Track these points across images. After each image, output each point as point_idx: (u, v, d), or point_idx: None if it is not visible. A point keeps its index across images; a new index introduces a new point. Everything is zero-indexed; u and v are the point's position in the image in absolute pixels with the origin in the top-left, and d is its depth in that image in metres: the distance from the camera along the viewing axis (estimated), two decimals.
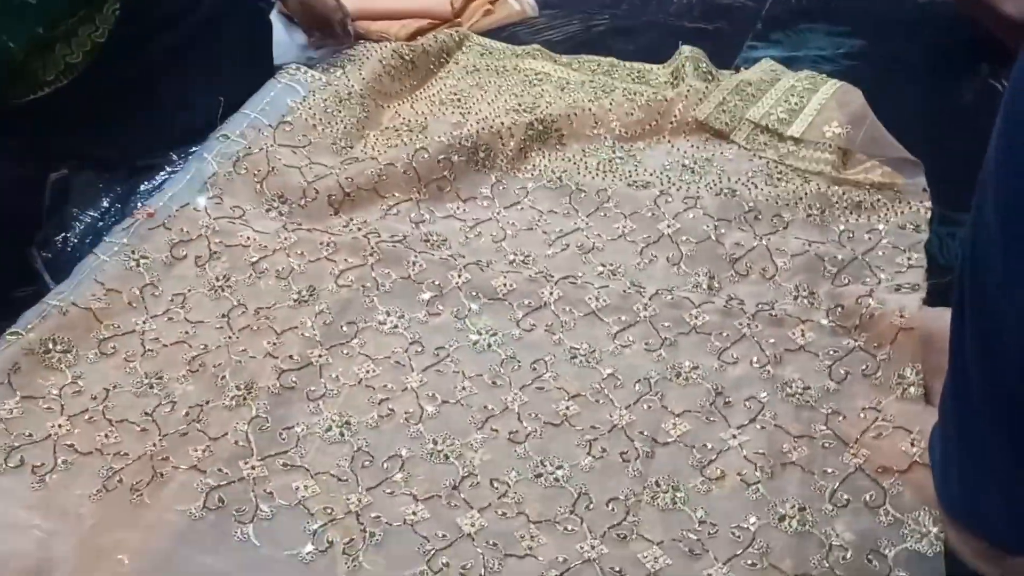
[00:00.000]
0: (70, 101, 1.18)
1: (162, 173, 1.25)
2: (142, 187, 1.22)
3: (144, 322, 1.06)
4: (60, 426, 0.95)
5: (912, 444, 0.90)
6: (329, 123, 1.32)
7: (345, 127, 1.33)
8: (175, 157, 1.27)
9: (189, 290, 1.10)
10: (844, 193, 1.19)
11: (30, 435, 0.94)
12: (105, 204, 1.20)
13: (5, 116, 1.14)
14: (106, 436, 0.94)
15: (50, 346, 1.01)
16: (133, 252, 1.13)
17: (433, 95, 1.43)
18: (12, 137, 1.12)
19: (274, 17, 1.57)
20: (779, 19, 1.62)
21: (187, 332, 1.05)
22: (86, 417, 0.96)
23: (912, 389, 0.94)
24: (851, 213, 1.17)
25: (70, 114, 1.20)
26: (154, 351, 1.03)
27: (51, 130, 1.18)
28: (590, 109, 1.34)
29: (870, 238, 1.13)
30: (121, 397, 0.98)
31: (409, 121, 1.37)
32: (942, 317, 0.83)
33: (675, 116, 1.34)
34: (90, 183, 1.21)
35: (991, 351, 0.67)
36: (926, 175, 1.20)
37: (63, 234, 1.16)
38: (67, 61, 1.17)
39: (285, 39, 1.56)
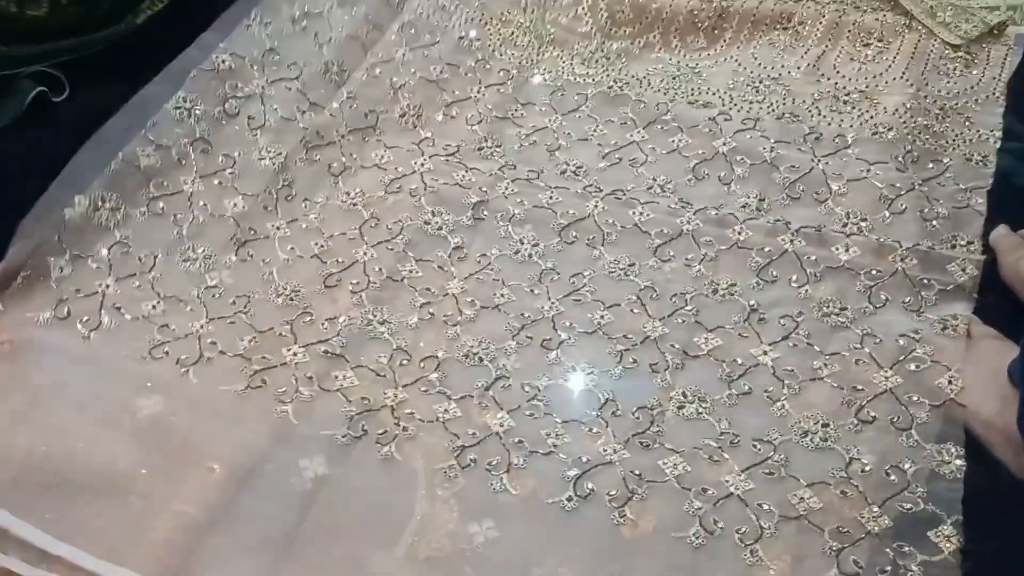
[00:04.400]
0: None
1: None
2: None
3: (193, 181, 1.09)
4: (108, 286, 1.00)
5: (949, 382, 0.88)
6: None
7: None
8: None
9: (239, 154, 1.13)
10: (912, 116, 1.15)
11: (77, 291, 0.99)
12: None
13: None
14: (153, 307, 0.99)
15: (99, 203, 1.05)
16: (184, 100, 1.14)
17: None
18: None
19: None
20: None
21: (235, 205, 1.08)
22: (134, 284, 1.01)
23: (958, 328, 0.92)
24: (919, 136, 1.13)
25: None
26: (202, 219, 1.07)
27: None
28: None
29: (933, 166, 1.09)
30: (169, 269, 1.02)
31: None
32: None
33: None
34: None
35: None
36: None
37: None
38: None
39: None
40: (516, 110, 1.23)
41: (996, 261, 0.97)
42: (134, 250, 1.04)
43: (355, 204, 1.11)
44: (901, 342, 0.92)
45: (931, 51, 1.25)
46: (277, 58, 1.23)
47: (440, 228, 1.09)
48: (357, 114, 1.21)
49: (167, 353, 0.95)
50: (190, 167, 1.11)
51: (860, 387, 0.89)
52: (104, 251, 1.03)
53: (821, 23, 1.30)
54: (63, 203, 1.02)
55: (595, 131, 1.19)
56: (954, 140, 1.12)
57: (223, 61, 1.19)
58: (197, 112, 1.14)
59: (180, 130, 1.12)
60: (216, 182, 1.10)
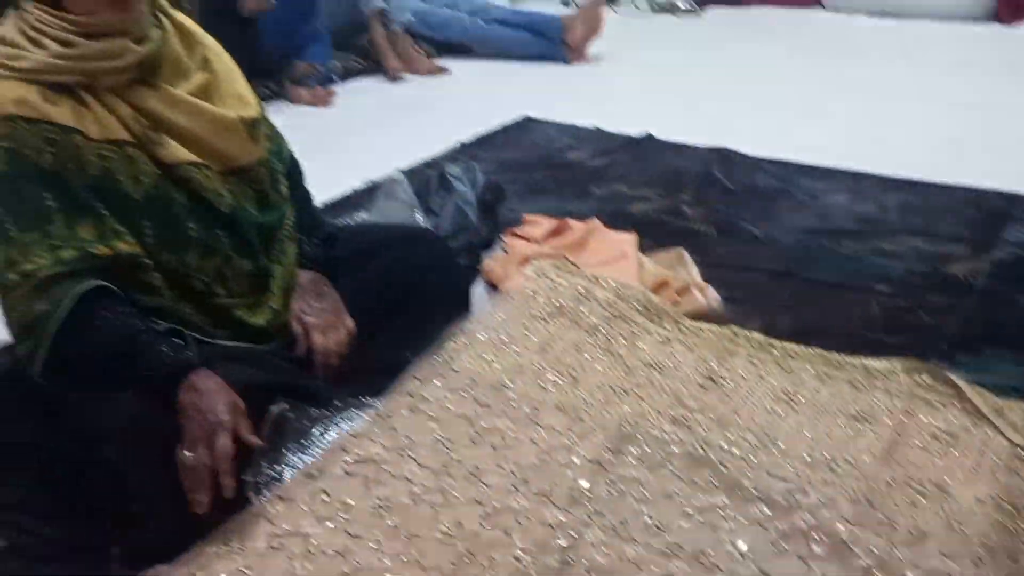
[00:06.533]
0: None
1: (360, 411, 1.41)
2: (343, 426, 1.38)
3: (309, 524, 1.19)
4: None
5: None
6: (488, 365, 1.51)
7: (505, 367, 1.51)
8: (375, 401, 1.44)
9: (353, 501, 1.23)
10: (986, 513, 1.20)
11: None
12: (312, 440, 1.35)
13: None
14: None
15: (224, 543, 1.16)
16: (311, 468, 1.28)
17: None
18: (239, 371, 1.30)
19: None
20: (965, 341, 1.63)
21: (346, 546, 1.17)
22: None
23: None
24: (994, 532, 1.17)
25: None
26: (314, 554, 1.15)
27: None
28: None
29: (1011, 565, 1.13)
30: None
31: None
32: None
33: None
34: (302, 420, 1.35)
35: None
36: None
37: (275, 467, 1.28)
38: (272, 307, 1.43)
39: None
40: (606, 456, 1.33)
41: None
42: None
43: (453, 538, 1.19)
44: None
45: (1000, 449, 1.33)
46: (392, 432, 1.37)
47: (529, 568, 1.14)
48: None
49: None
50: (308, 513, 1.22)
51: None
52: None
53: (892, 414, 1.40)
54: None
55: (679, 490, 1.27)
56: None
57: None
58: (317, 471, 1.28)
59: (305, 483, 1.26)
60: (330, 525, 1.20)
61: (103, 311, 1.19)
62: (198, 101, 1.32)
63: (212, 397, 1.17)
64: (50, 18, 1.21)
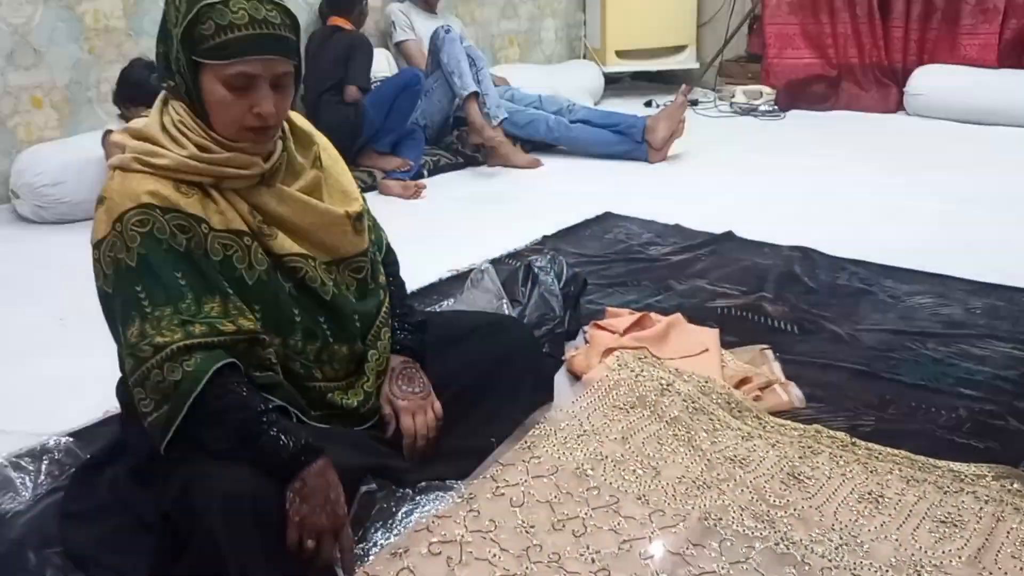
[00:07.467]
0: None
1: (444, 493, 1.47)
2: (427, 507, 1.44)
3: None
4: None
5: None
6: (570, 453, 1.55)
7: (586, 455, 1.54)
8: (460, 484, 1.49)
9: None
10: None
11: None
12: (397, 520, 1.41)
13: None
14: None
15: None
16: (396, 546, 1.33)
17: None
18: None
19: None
20: None
21: None
22: None
23: None
24: None
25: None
26: None
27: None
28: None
29: None
30: None
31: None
32: None
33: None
34: (388, 500, 1.42)
35: None
36: None
37: (361, 544, 1.34)
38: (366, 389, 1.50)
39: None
40: (687, 549, 1.33)
41: None
42: None
43: None
44: None
45: None
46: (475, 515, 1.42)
47: None
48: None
49: None
50: None
51: None
52: None
53: (980, 519, 1.38)
54: None
55: None
56: None
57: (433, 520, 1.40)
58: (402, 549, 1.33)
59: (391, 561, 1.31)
60: None
61: (231, 385, 1.27)
62: (308, 199, 1.42)
63: (338, 489, 1.25)
64: (193, 123, 1.34)
